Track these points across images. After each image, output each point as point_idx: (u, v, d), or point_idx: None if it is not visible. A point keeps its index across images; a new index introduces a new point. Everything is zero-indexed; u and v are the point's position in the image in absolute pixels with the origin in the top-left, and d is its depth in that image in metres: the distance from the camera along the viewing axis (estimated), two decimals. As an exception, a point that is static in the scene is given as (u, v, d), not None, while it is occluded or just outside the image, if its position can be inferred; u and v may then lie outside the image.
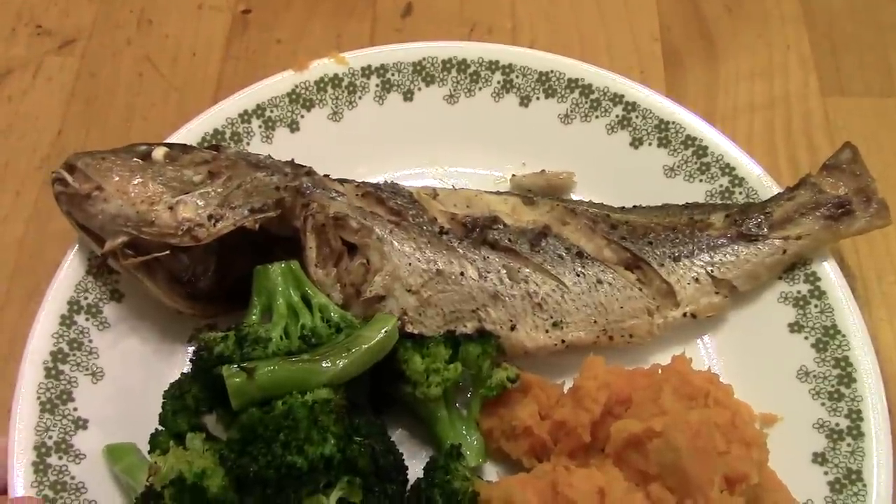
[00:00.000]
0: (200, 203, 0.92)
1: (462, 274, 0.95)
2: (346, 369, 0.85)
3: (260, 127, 1.09)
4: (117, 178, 0.93)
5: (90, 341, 0.97)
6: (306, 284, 0.92)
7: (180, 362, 0.97)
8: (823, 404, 0.95)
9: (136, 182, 0.93)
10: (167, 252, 0.91)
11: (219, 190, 0.93)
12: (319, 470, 0.81)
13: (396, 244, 0.94)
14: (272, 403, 0.83)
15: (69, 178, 0.93)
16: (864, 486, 0.90)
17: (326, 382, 0.84)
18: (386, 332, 0.87)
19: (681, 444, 0.82)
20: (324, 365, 0.84)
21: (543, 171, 1.09)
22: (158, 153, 0.97)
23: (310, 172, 0.99)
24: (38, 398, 0.93)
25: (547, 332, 0.96)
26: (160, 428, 0.90)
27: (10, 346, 1.04)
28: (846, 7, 1.26)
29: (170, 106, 1.22)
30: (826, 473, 0.92)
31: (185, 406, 0.89)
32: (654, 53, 1.24)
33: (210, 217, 0.91)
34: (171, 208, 0.91)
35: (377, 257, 0.93)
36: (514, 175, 1.10)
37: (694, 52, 1.24)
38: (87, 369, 0.96)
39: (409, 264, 0.94)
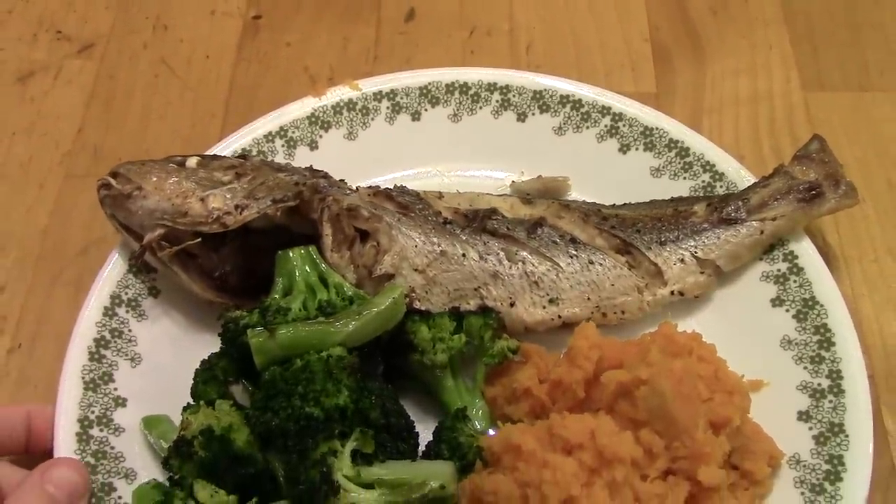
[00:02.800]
0: (228, 196, 1.03)
1: (464, 255, 1.04)
2: (359, 331, 0.94)
3: (283, 146, 1.20)
4: (155, 179, 1.04)
5: (129, 330, 1.07)
6: (323, 266, 1.01)
7: (211, 348, 1.06)
8: (806, 368, 1.01)
9: (171, 181, 1.04)
10: (199, 239, 1.02)
11: (245, 186, 1.04)
12: (335, 419, 0.89)
13: (404, 229, 1.04)
14: (291, 361, 0.92)
15: (113, 182, 1.05)
16: (847, 436, 0.96)
17: (341, 342, 0.93)
18: (394, 299, 0.96)
19: (666, 389, 0.89)
20: (338, 325, 0.93)
21: (540, 176, 1.19)
22: (192, 161, 1.09)
23: (326, 176, 1.10)
24: (83, 378, 1.02)
25: (544, 308, 1.04)
26: (192, 402, 0.99)
27: (36, 325, 1.15)
28: (824, 9, 1.38)
29: (185, 105, 1.33)
30: (811, 429, 0.97)
31: (213, 376, 0.98)
32: (645, 53, 1.35)
33: (237, 206, 1.02)
34: (202, 200, 1.02)
35: (386, 240, 1.03)
36: (513, 182, 1.20)
37: (682, 52, 1.35)
38: (126, 355, 1.05)
39: (416, 246, 1.03)
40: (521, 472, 0.87)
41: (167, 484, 0.93)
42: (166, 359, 1.07)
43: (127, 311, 1.08)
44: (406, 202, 1.08)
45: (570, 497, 0.84)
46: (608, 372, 0.92)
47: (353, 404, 0.90)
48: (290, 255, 1.01)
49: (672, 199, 1.14)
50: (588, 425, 0.89)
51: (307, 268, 1.00)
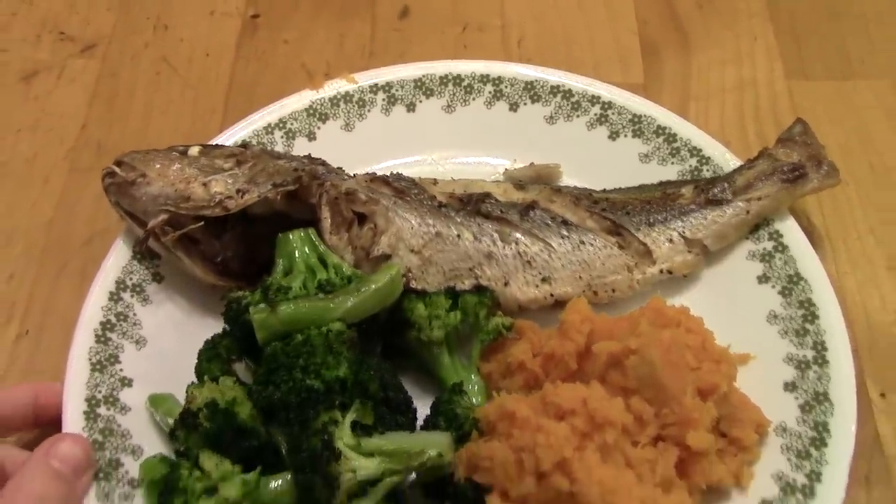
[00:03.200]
0: (230, 181, 1.06)
1: (459, 236, 1.07)
2: (358, 307, 0.97)
3: (282, 137, 1.24)
4: (158, 166, 1.08)
5: (134, 314, 1.10)
6: (322, 248, 1.04)
7: (214, 332, 1.08)
8: (791, 341, 1.05)
9: (174, 168, 1.08)
10: (202, 223, 1.05)
11: (246, 172, 1.08)
12: (335, 391, 0.92)
13: (400, 212, 1.07)
14: (292, 336, 0.95)
15: (117, 170, 1.09)
16: (831, 404, 0.99)
17: (340, 318, 0.96)
18: (391, 276, 0.99)
19: (655, 358, 0.92)
20: (338, 301, 0.96)
21: (532, 163, 1.23)
22: (194, 150, 1.12)
23: (324, 163, 1.14)
24: (90, 359, 1.05)
25: (537, 286, 1.08)
26: (195, 381, 1.02)
27: (43, 313, 1.18)
28: (807, 1, 1.42)
29: (186, 102, 1.38)
30: (797, 398, 1.01)
31: (217, 354, 1.02)
32: (632, 46, 1.39)
33: (238, 191, 1.06)
34: (204, 185, 1.06)
35: (383, 221, 1.06)
36: (506, 169, 1.24)
37: (669, 44, 1.39)
38: (131, 337, 1.08)
39: (412, 228, 1.07)
40: (515, 438, 0.90)
41: (173, 458, 0.96)
42: (170, 342, 1.10)
43: (132, 296, 1.11)
44: (402, 187, 1.11)
45: (564, 460, 0.87)
46: (599, 343, 0.95)
47: (353, 376, 0.93)
48: (290, 237, 1.04)
49: (660, 183, 1.17)
50: (580, 393, 0.92)
51: (307, 249, 1.04)
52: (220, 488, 0.89)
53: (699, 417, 0.92)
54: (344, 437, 0.90)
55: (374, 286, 0.98)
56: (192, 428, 0.93)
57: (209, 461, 0.90)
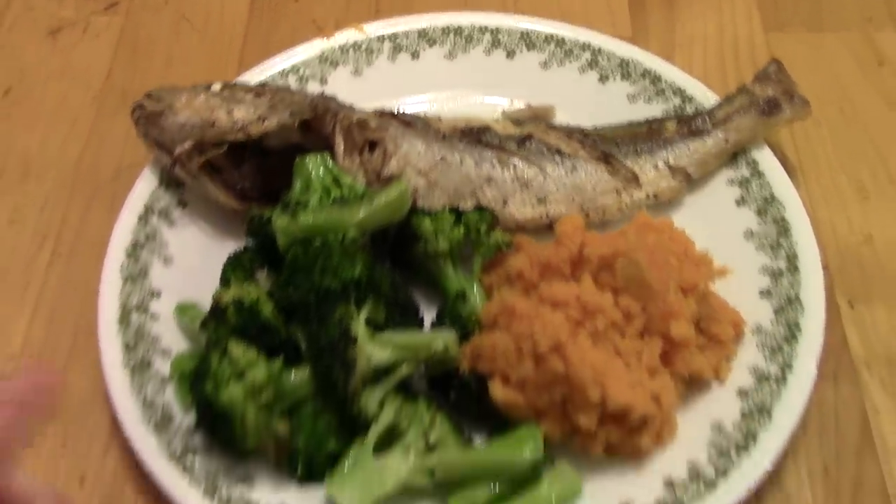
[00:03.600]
0: (251, 109, 1.16)
1: (461, 161, 1.17)
2: (371, 217, 1.06)
3: (295, 81, 1.33)
4: (185, 98, 1.17)
5: (161, 235, 1.19)
6: (336, 170, 1.14)
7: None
8: (766, 254, 1.14)
9: (199, 99, 1.17)
10: (225, 147, 1.15)
11: (265, 101, 1.17)
12: (350, 290, 1.01)
13: (408, 138, 1.17)
14: (311, 241, 1.04)
15: (146, 103, 1.18)
16: (802, 306, 1.08)
17: (355, 225, 1.05)
18: (401, 190, 1.08)
19: (641, 259, 1.02)
20: (352, 211, 1.06)
21: (528, 104, 1.32)
22: (216, 86, 1.21)
23: (336, 99, 1.23)
24: (121, 273, 1.14)
25: (533, 206, 1.17)
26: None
27: (73, 241, 1.26)
28: None
29: (204, 54, 1.47)
30: (771, 303, 1.10)
31: (241, 264, 1.10)
32: (621, 2, 1.50)
33: (259, 117, 1.15)
34: (228, 112, 1.15)
35: (392, 146, 1.16)
36: (503, 111, 1.33)
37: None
38: (159, 255, 1.17)
39: (419, 152, 1.16)
40: (515, 328, 0.99)
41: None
42: (195, 261, 1.18)
43: (159, 220, 1.20)
44: (409, 120, 1.21)
45: (559, 343, 0.96)
46: (590, 247, 1.05)
47: (367, 277, 1.02)
48: (307, 160, 1.13)
49: (647, 120, 1.27)
50: (573, 289, 1.01)
51: (322, 171, 1.12)
52: (247, 373, 0.97)
53: (681, 310, 1.01)
54: (359, 329, 0.99)
55: (385, 198, 1.07)
56: (221, 321, 1.02)
57: (237, 349, 0.99)
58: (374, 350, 0.98)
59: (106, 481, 1.07)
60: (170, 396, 1.06)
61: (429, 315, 1.12)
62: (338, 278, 1.01)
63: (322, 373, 0.99)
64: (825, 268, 1.14)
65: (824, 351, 1.07)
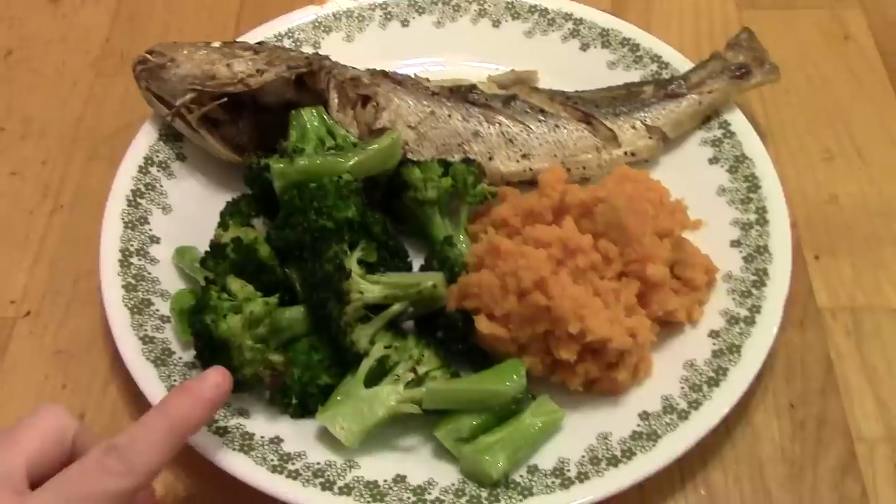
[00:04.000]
0: (250, 62, 1.21)
1: (450, 116, 1.23)
2: (364, 163, 1.12)
3: (290, 44, 1.39)
4: (186, 52, 1.22)
5: (161, 185, 1.24)
6: (330, 122, 1.19)
7: (233, 202, 1.22)
8: (737, 208, 1.20)
9: (200, 53, 1.22)
10: (224, 99, 1.20)
11: (264, 56, 1.23)
12: (344, 230, 1.07)
13: (399, 94, 1.23)
14: (306, 184, 1.09)
15: (149, 57, 1.23)
16: (770, 254, 1.14)
17: (349, 170, 1.10)
18: (393, 139, 1.14)
19: (619, 205, 1.08)
20: (347, 156, 1.11)
21: (513, 70, 1.39)
22: (216, 43, 1.27)
23: (329, 58, 1.29)
24: (122, 219, 1.18)
25: (518, 161, 1.23)
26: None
27: (74, 193, 1.31)
28: None
29: (201, 21, 1.53)
30: (741, 252, 1.16)
31: (239, 210, 1.15)
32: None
33: (258, 70, 1.20)
34: (227, 65, 1.20)
35: (384, 100, 1.22)
36: (489, 76, 1.39)
37: None
38: (159, 204, 1.22)
39: (409, 107, 1.22)
40: (499, 266, 1.05)
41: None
42: (194, 210, 1.23)
43: (158, 171, 1.25)
44: (400, 79, 1.27)
45: (541, 279, 1.01)
46: (572, 193, 1.11)
47: (360, 218, 1.08)
48: (302, 112, 1.18)
49: (625, 84, 1.34)
50: (555, 231, 1.07)
51: (317, 122, 1.18)
52: (245, 306, 1.02)
53: (657, 253, 1.07)
54: (352, 264, 1.04)
55: (378, 146, 1.13)
56: (220, 257, 1.07)
57: (235, 284, 1.03)
58: (366, 286, 1.04)
59: (106, 417, 1.12)
60: (169, 334, 1.11)
61: (417, 264, 1.17)
62: (332, 219, 1.06)
63: (317, 306, 1.04)
64: (793, 224, 1.20)
65: (792, 299, 1.14)
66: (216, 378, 0.89)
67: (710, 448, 1.06)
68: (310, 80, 1.23)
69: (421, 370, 1.04)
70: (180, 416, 0.85)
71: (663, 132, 1.27)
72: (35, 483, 0.80)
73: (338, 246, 1.05)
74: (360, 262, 1.06)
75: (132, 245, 1.17)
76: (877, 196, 1.30)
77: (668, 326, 1.11)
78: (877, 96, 1.41)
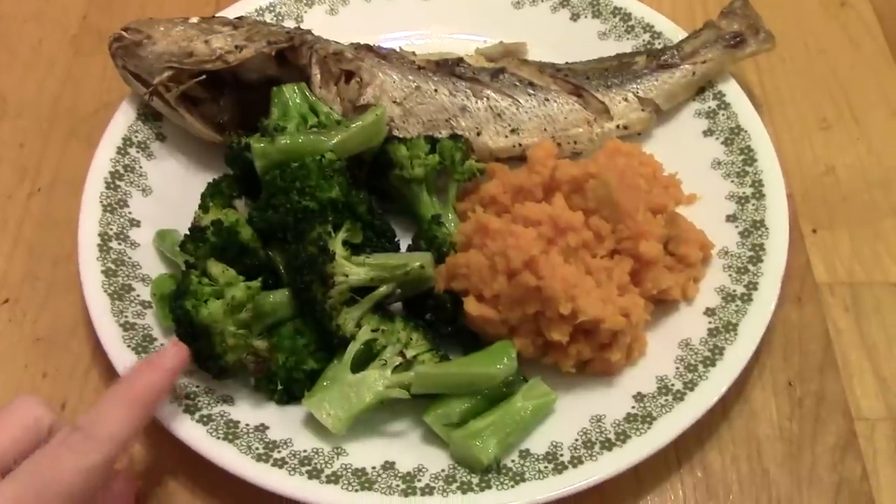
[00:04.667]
0: (229, 38, 1.17)
1: (436, 91, 1.19)
2: (348, 141, 1.08)
3: (272, 18, 1.35)
4: (163, 28, 1.18)
5: (140, 167, 1.20)
6: (312, 99, 1.15)
7: (214, 182, 1.19)
8: (733, 181, 1.17)
9: (177, 29, 1.18)
10: (203, 76, 1.16)
11: (243, 32, 1.19)
12: (328, 211, 1.04)
13: (383, 68, 1.19)
14: (289, 164, 1.06)
15: (125, 34, 1.19)
16: (767, 229, 1.12)
17: (332, 149, 1.07)
18: (377, 115, 1.10)
19: (611, 180, 1.04)
20: (330, 134, 1.08)
21: (501, 42, 1.35)
22: (194, 19, 1.23)
23: (311, 32, 1.25)
24: (101, 202, 1.15)
25: (506, 136, 1.20)
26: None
27: (52, 176, 1.28)
28: None
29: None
30: (737, 227, 1.13)
31: (220, 191, 1.12)
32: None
33: (237, 46, 1.16)
34: (206, 42, 1.16)
35: (368, 76, 1.18)
36: (477, 48, 1.35)
37: None
38: (138, 186, 1.19)
39: (394, 82, 1.18)
40: (489, 246, 1.02)
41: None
42: (174, 192, 1.20)
43: (137, 152, 1.21)
44: (384, 53, 1.23)
45: (531, 258, 0.98)
46: (562, 168, 1.07)
47: (344, 198, 1.04)
48: (284, 89, 1.15)
49: (617, 55, 1.30)
50: (545, 209, 1.04)
51: (299, 99, 1.14)
52: (226, 291, 0.99)
53: (650, 230, 1.04)
54: (337, 246, 1.01)
55: (362, 123, 1.09)
56: (200, 241, 1.03)
57: (216, 268, 1.00)
58: (351, 268, 1.01)
59: (87, 406, 1.09)
60: (150, 320, 1.08)
61: (404, 244, 1.14)
62: (316, 199, 1.03)
63: (301, 289, 1.01)
64: (789, 197, 1.17)
65: (789, 274, 1.11)
66: (174, 348, 0.94)
67: (706, 428, 1.03)
68: (291, 56, 1.20)
69: (409, 354, 1.02)
70: (141, 384, 0.87)
71: (656, 104, 1.24)
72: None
73: (321, 227, 1.02)
74: (344, 243, 1.03)
75: (111, 229, 1.14)
76: (875, 166, 1.27)
77: (662, 305, 1.08)
78: (875, 63, 1.38)
